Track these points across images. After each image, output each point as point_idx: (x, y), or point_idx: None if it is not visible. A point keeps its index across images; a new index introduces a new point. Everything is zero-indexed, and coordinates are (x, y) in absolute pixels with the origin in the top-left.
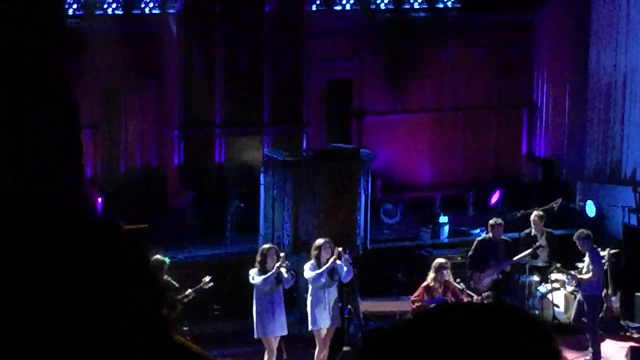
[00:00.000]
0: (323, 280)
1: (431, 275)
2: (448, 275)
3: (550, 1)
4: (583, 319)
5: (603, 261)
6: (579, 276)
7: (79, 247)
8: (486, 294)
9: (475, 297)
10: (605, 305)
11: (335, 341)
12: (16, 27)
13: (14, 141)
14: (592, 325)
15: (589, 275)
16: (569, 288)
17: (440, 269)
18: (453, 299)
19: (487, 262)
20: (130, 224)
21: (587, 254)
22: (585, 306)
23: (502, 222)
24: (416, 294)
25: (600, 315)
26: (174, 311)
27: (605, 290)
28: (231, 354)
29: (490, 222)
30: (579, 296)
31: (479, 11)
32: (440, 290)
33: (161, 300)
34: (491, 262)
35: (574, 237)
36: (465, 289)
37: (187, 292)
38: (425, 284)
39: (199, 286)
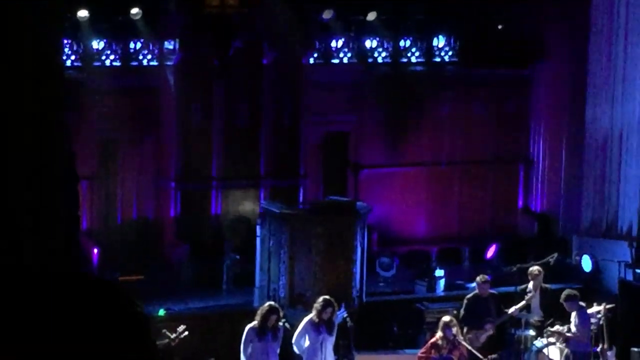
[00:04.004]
0: (321, 336)
1: (439, 333)
2: (456, 333)
3: (547, 57)
4: None
5: (599, 316)
6: (567, 334)
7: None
8: (493, 356)
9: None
10: None
11: None
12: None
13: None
14: None
15: (578, 334)
16: (558, 344)
17: (445, 327)
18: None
19: (482, 319)
20: (126, 275)
21: (574, 314)
22: None
23: (488, 279)
24: (423, 350)
25: None
26: None
27: (601, 345)
28: None
29: (477, 279)
30: (565, 352)
31: (476, 66)
32: (447, 348)
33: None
34: (486, 318)
35: (561, 299)
36: (473, 350)
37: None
38: (433, 340)
39: (174, 335)
